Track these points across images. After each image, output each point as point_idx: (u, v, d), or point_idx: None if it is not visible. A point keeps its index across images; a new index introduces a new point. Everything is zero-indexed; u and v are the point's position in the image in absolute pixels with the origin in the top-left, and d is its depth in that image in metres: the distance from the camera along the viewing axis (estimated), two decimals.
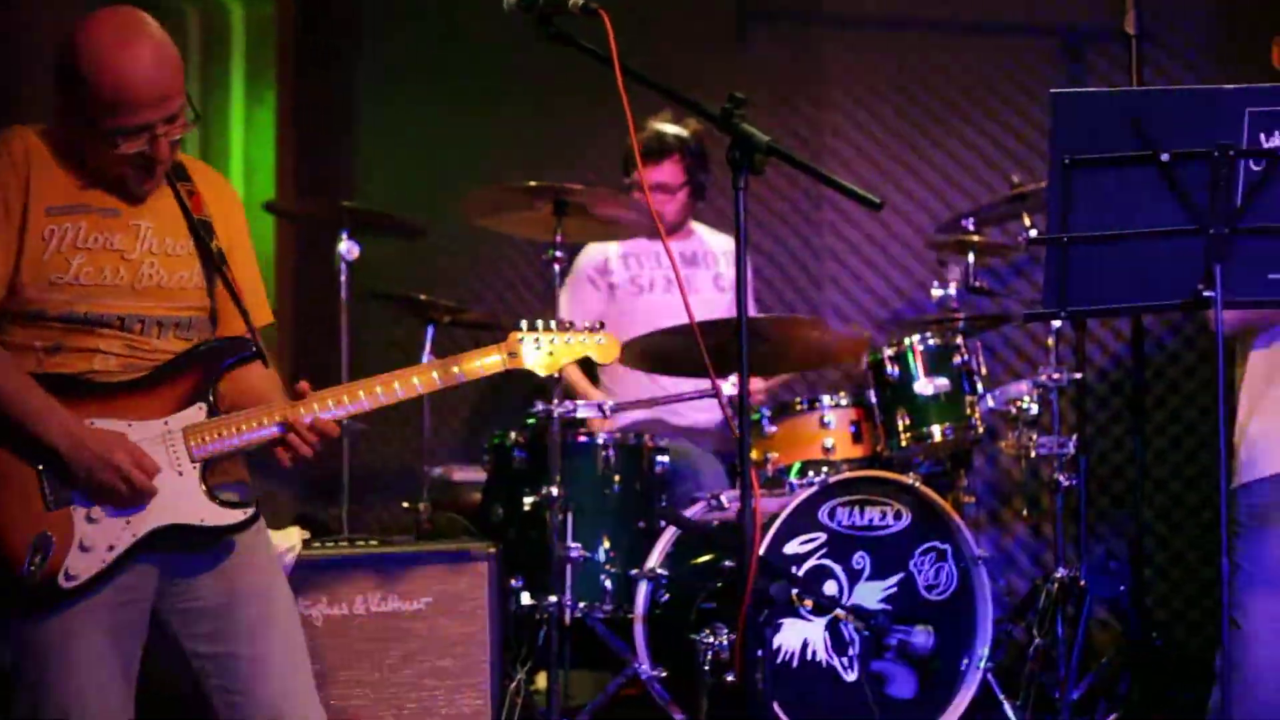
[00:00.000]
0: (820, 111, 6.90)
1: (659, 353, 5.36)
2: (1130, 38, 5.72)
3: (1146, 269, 3.46)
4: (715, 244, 6.33)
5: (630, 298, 6.14)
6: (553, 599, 5.11)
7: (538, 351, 3.86)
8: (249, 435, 3.49)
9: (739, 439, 3.28)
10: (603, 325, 4.03)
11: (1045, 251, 3.46)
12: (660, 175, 6.14)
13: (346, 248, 5.85)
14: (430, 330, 5.99)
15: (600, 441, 5.52)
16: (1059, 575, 5.52)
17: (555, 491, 5.15)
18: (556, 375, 5.09)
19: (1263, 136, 3.32)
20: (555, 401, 5.15)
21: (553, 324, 3.89)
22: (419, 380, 3.66)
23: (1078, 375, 5.72)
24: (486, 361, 3.76)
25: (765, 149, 3.19)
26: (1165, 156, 3.31)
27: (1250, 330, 4.16)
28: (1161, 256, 3.44)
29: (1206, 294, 3.41)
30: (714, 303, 6.08)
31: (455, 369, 3.71)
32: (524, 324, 3.85)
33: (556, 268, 5.25)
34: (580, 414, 5.21)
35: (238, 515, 3.49)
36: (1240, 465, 4.23)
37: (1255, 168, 3.35)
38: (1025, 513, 6.32)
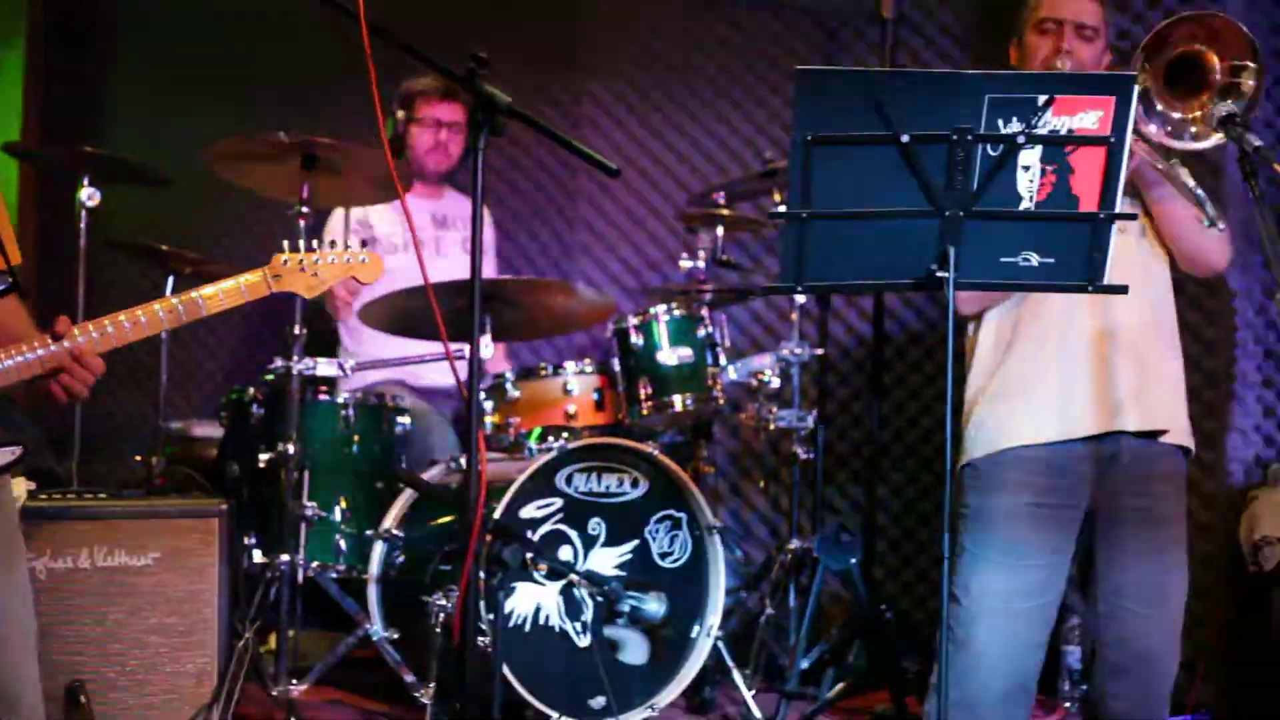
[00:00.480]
0: (578, 79, 6.89)
1: (402, 313, 5.32)
2: (886, 22, 5.81)
3: (883, 248, 3.49)
4: (468, 207, 6.30)
5: (383, 256, 6.06)
6: (285, 557, 5.04)
7: (302, 273, 3.77)
8: (11, 361, 3.32)
9: (468, 403, 3.27)
10: (365, 244, 3.96)
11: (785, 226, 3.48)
12: (452, 114, 6.22)
13: (87, 194, 5.70)
14: (171, 281, 5.87)
15: (340, 400, 5.47)
16: (793, 546, 5.61)
17: (291, 449, 5.08)
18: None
19: (1000, 122, 3.37)
20: (295, 358, 5.07)
21: (314, 244, 3.81)
22: (182, 305, 3.52)
23: (819, 351, 5.81)
24: (247, 281, 3.64)
25: (506, 110, 3.18)
26: (905, 137, 3.35)
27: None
28: (898, 236, 3.47)
29: (940, 274, 3.45)
30: (464, 265, 6.03)
31: (218, 292, 3.58)
32: (286, 245, 3.76)
33: (302, 223, 5.14)
34: (320, 372, 5.14)
35: (6, 455, 3.35)
36: (967, 444, 4.34)
37: (992, 152, 3.40)
38: (762, 484, 6.41)
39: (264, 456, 5.30)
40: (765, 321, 6.62)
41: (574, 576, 4.85)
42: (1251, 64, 3.62)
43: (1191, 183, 3.95)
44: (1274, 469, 5.60)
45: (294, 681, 4.98)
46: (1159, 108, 3.76)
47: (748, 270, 6.18)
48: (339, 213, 6.13)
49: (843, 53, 6.53)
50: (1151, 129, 3.76)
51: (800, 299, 5.72)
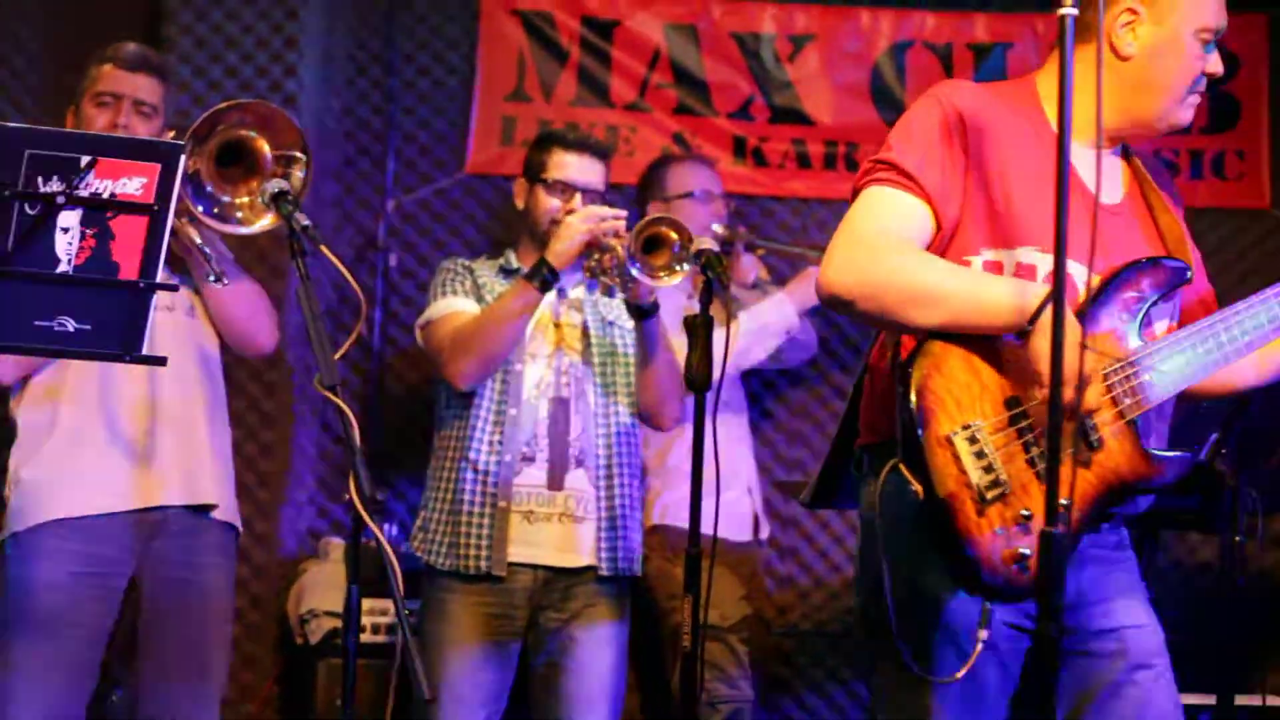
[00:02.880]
0: None
1: None
2: None
3: None
4: None
5: None
6: None
7: None
8: None
9: None
10: None
11: None
12: None
13: None
14: None
15: None
16: None
17: None
18: None
19: (40, 180, 3.24)
20: None
21: None
22: None
23: None
24: None
25: None
26: None
27: None
28: None
29: None
30: None
31: None
32: None
33: None
34: None
35: None
36: (10, 514, 4.20)
37: (31, 211, 3.26)
38: None
39: None
40: None
41: None
42: (301, 155, 3.67)
43: (199, 239, 3.98)
44: (324, 542, 5.70)
45: None
46: (209, 189, 3.73)
47: None
48: None
49: None
50: (199, 210, 3.73)
51: None
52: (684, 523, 4.04)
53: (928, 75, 6.26)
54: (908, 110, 3.26)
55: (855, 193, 3.19)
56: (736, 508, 5.33)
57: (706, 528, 3.93)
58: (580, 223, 4.49)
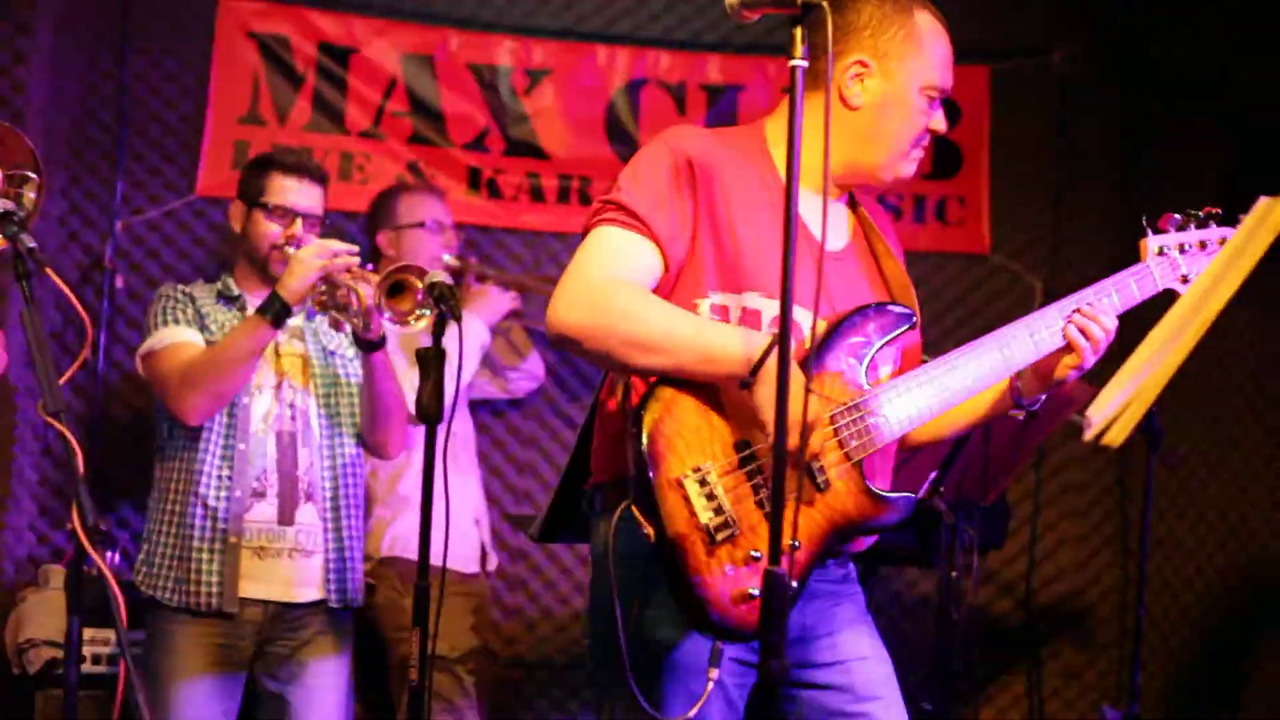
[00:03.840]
0: None
1: None
2: None
3: None
4: None
5: None
6: None
7: None
8: None
9: None
10: None
11: None
12: None
13: None
14: None
15: None
16: None
17: None
18: None
19: None
20: None
21: None
22: None
23: None
24: None
25: None
26: None
27: None
28: None
29: None
30: None
31: None
32: None
33: None
34: None
35: None
36: None
37: None
38: None
39: None
40: None
41: None
42: (33, 175, 3.59)
43: None
44: (44, 569, 5.56)
45: None
46: None
47: None
48: None
49: None
50: None
51: None
52: (414, 554, 4.03)
53: (661, 113, 6.36)
54: (637, 153, 3.29)
55: (585, 231, 3.22)
56: (464, 539, 5.34)
57: (435, 559, 3.95)
58: (313, 258, 4.47)
